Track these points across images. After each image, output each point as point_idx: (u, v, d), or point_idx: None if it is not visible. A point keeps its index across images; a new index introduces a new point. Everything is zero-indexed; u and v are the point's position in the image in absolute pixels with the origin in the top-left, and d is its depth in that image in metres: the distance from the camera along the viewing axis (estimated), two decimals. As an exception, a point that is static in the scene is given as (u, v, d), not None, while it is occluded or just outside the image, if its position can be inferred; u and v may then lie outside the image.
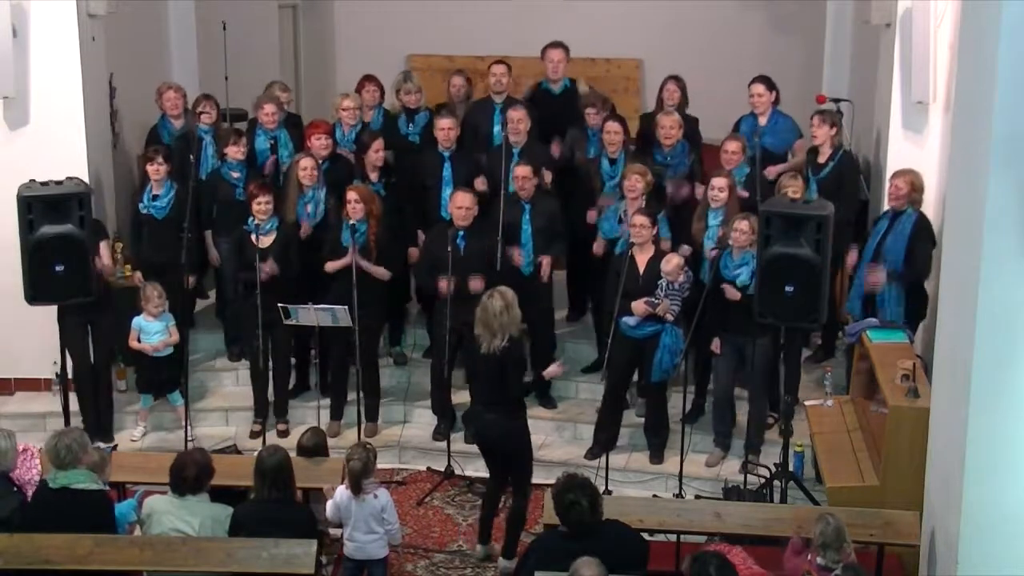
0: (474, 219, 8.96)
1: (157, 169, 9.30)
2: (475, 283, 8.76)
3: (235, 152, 9.52)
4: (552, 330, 9.74)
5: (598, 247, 9.23)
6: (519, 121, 9.50)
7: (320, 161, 9.43)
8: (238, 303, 9.41)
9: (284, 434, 9.27)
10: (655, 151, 9.57)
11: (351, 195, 8.99)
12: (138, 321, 9.19)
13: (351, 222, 8.94)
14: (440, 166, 9.57)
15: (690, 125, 9.80)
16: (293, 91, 11.67)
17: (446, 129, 9.55)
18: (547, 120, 9.89)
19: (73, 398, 8.95)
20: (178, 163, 9.54)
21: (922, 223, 8.55)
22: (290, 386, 9.59)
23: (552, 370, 8.40)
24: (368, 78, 10.32)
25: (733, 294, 8.45)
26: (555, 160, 9.68)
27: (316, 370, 9.73)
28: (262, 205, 8.99)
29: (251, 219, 9.04)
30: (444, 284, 8.81)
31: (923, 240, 8.49)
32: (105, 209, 9.71)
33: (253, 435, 9.34)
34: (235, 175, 9.54)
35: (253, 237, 8.99)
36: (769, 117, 9.63)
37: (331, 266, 9.06)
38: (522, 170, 9.17)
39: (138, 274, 9.51)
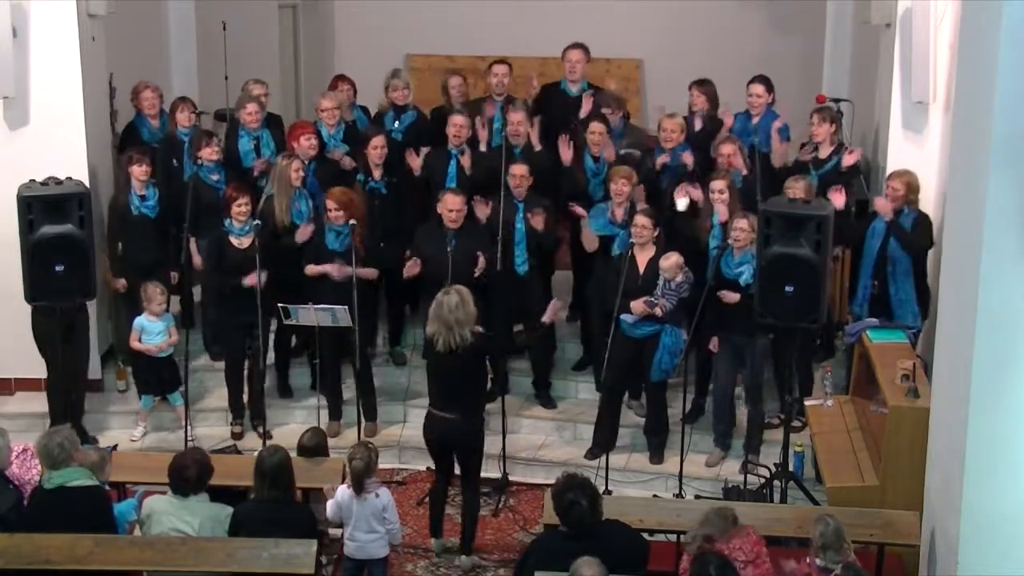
0: (464, 220, 8.96)
1: (145, 171, 9.27)
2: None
3: (209, 154, 9.43)
4: (550, 330, 9.73)
5: (588, 243, 9.17)
6: (519, 123, 9.52)
7: (306, 162, 9.41)
8: (215, 306, 9.39)
9: (239, 436, 9.29)
10: (656, 152, 9.56)
11: (328, 203, 8.98)
12: (140, 321, 9.19)
13: (338, 224, 8.92)
14: (447, 164, 9.58)
15: (717, 127, 9.75)
16: (292, 91, 11.70)
17: (458, 126, 9.55)
18: (560, 120, 9.88)
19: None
20: (161, 166, 9.55)
21: (922, 218, 8.59)
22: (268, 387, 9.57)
23: (551, 309, 8.54)
24: (341, 77, 10.33)
25: (731, 297, 8.43)
26: (558, 162, 9.65)
27: (300, 371, 9.77)
28: (242, 207, 8.95)
29: (228, 220, 9.02)
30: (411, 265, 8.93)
31: (926, 228, 8.55)
32: (103, 209, 9.69)
33: (234, 436, 9.35)
34: (214, 177, 9.48)
35: (232, 239, 8.99)
36: (762, 117, 9.62)
37: (311, 270, 9.07)
38: (518, 169, 9.17)
39: (121, 281, 9.47)
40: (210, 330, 9.92)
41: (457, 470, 8.07)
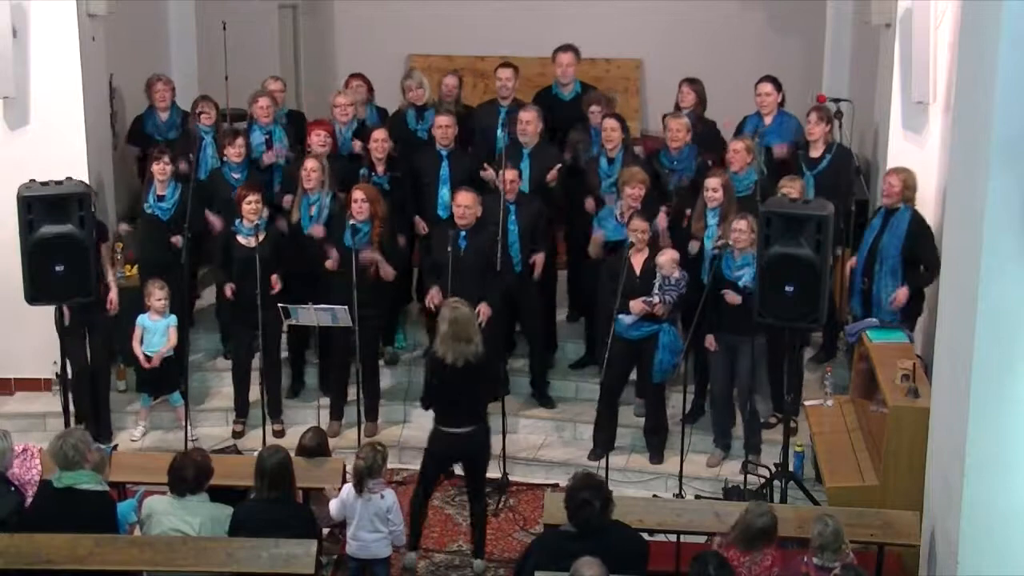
0: (476, 219, 8.97)
1: (163, 169, 9.29)
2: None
3: (233, 154, 9.50)
4: (546, 328, 9.74)
5: (594, 250, 9.18)
6: (528, 123, 9.50)
7: (323, 161, 9.41)
8: (225, 303, 9.43)
9: (280, 435, 9.25)
10: (662, 153, 9.57)
11: (357, 195, 8.97)
12: (142, 320, 9.19)
13: (352, 222, 8.92)
14: (438, 164, 9.57)
15: (707, 128, 9.77)
16: (292, 91, 11.68)
17: (444, 127, 9.54)
18: (555, 125, 9.88)
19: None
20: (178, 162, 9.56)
21: (917, 219, 8.60)
22: (284, 386, 9.60)
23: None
24: (354, 75, 10.32)
25: (733, 299, 8.42)
26: (563, 161, 9.65)
27: (316, 370, 9.75)
28: (252, 204, 8.96)
29: (238, 220, 9.03)
30: (435, 295, 8.83)
31: (924, 236, 8.54)
32: (105, 209, 9.71)
33: (235, 435, 9.36)
34: (236, 176, 9.54)
35: (240, 238, 9.00)
36: (774, 118, 9.63)
37: (331, 264, 9.04)
38: (508, 173, 9.14)
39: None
40: (224, 329, 9.96)
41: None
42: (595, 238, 9.17)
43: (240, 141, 9.56)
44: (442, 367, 7.59)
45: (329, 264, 9.02)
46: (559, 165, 9.52)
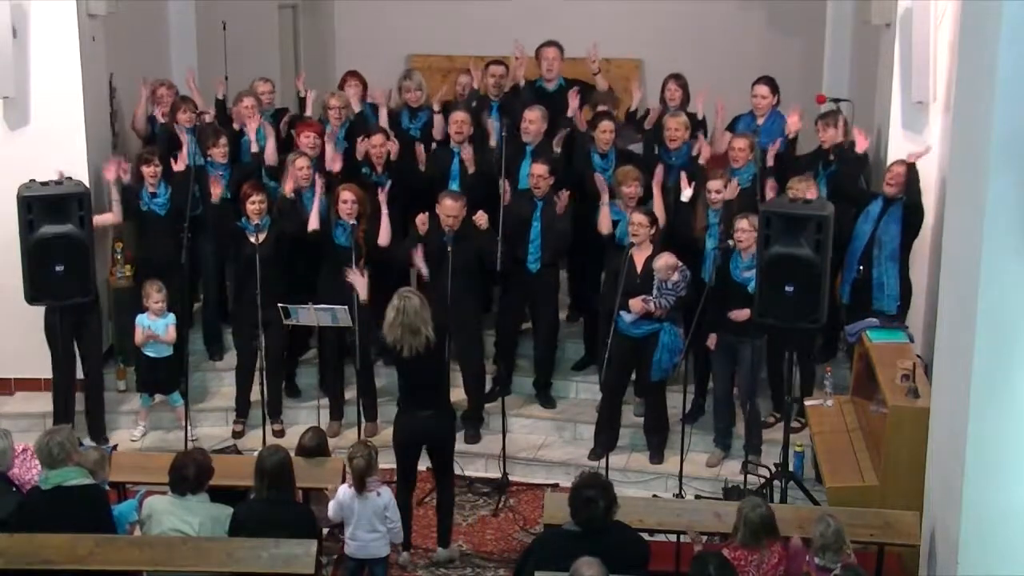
0: (463, 222, 8.94)
1: (154, 172, 9.31)
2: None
3: (218, 154, 9.51)
4: (555, 329, 9.72)
5: (604, 224, 9.06)
6: (532, 122, 9.52)
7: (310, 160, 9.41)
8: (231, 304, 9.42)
9: (280, 435, 9.25)
10: (661, 151, 9.58)
11: (346, 195, 8.98)
12: (142, 319, 9.18)
13: (350, 222, 8.93)
14: (449, 161, 9.58)
15: (693, 122, 9.80)
16: (292, 90, 11.64)
17: (459, 122, 9.54)
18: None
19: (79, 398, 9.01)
20: (163, 163, 9.57)
21: (914, 207, 8.65)
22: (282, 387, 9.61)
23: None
24: (351, 74, 10.33)
25: (742, 315, 8.40)
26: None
27: (308, 371, 9.76)
28: (256, 204, 8.98)
29: (244, 218, 9.03)
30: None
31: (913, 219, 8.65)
32: (105, 209, 9.70)
33: (235, 435, 9.37)
34: (219, 174, 9.52)
35: (248, 235, 9.00)
36: (767, 118, 9.62)
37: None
38: (539, 168, 9.18)
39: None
40: (208, 329, 9.94)
41: (422, 466, 8.01)
42: (602, 215, 9.09)
43: (223, 140, 9.56)
44: (395, 355, 7.64)
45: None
46: (566, 130, 9.53)
